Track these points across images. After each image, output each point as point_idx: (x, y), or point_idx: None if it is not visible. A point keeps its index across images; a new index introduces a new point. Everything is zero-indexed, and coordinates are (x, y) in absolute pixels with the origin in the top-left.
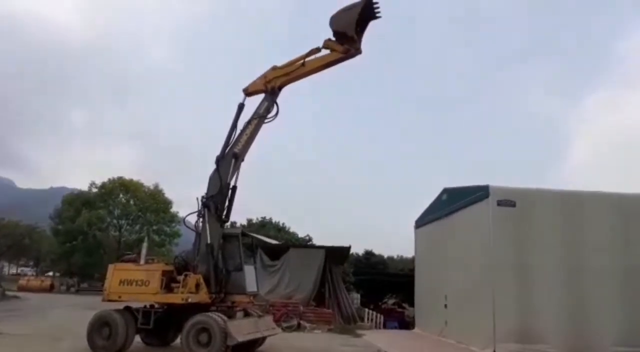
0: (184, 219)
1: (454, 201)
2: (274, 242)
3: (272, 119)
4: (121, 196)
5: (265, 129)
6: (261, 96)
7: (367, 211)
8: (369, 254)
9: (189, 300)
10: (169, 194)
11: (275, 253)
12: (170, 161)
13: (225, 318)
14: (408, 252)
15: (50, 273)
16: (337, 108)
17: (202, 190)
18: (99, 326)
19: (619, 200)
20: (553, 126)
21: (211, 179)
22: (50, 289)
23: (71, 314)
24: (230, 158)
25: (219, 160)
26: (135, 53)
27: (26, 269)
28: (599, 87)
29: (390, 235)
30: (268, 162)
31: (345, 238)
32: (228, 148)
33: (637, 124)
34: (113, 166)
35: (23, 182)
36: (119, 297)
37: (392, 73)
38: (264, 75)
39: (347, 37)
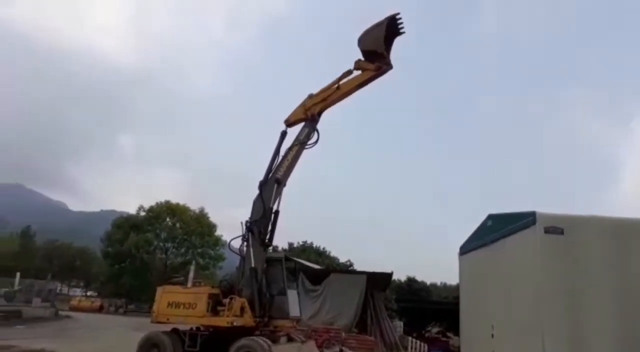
0: (229, 243)
1: (499, 228)
2: (316, 267)
3: (313, 145)
4: (168, 219)
5: (306, 154)
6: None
7: (409, 237)
8: (411, 281)
9: (234, 323)
10: (212, 217)
11: (316, 278)
12: (213, 185)
13: (269, 343)
14: (452, 279)
15: (89, 293)
16: (377, 132)
17: (243, 213)
18: (148, 348)
19: None
20: (603, 151)
21: (255, 203)
22: (100, 309)
23: (120, 335)
24: (272, 183)
25: (262, 185)
26: (180, 81)
27: (77, 290)
28: None
29: (433, 262)
30: (309, 187)
31: (386, 264)
32: (271, 174)
33: None
34: (159, 190)
35: (75, 205)
36: (167, 319)
37: (432, 95)
38: (303, 104)
39: (377, 54)
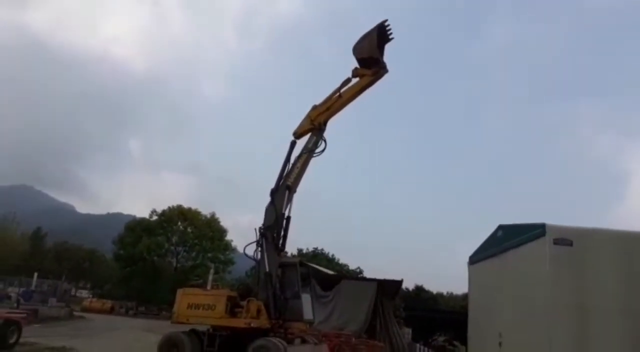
0: (244, 249)
1: (509, 238)
2: (330, 272)
3: (321, 153)
4: (179, 223)
5: (316, 161)
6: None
7: (418, 246)
8: (419, 290)
9: (251, 325)
10: (222, 222)
11: (327, 284)
12: (222, 191)
13: (285, 344)
14: (458, 289)
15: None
16: (387, 140)
17: (252, 219)
18: (168, 347)
19: None
20: (611, 165)
21: (267, 210)
22: (111, 311)
23: (133, 336)
24: (283, 190)
25: (274, 193)
26: (190, 88)
27: (83, 291)
28: None
29: (440, 272)
30: (319, 195)
31: (395, 273)
32: (281, 181)
33: None
34: (167, 195)
35: (83, 207)
36: (187, 319)
37: (441, 107)
38: (308, 116)
39: (372, 60)
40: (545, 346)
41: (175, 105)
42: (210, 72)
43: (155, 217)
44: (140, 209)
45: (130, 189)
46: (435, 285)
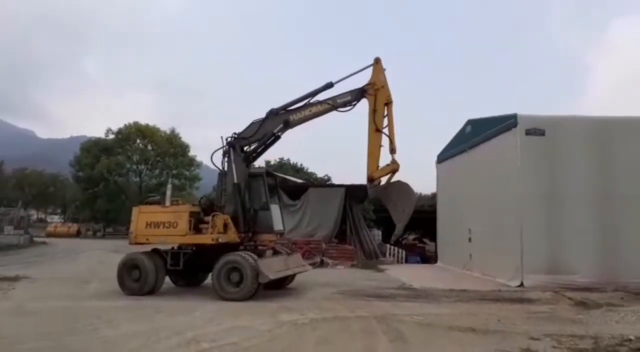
0: (211, 156)
1: (479, 133)
2: (298, 181)
3: (343, 112)
4: (138, 141)
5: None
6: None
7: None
8: None
9: (219, 240)
10: (185, 138)
11: (295, 193)
12: (183, 107)
13: (255, 257)
14: (426, 189)
15: (59, 219)
16: (359, 39)
17: (216, 134)
18: (129, 269)
19: None
20: (574, 57)
21: (253, 124)
22: (77, 234)
23: (98, 258)
24: (280, 121)
25: (272, 114)
26: (146, 4)
27: (55, 217)
28: (621, 16)
29: (408, 173)
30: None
31: (364, 178)
32: (286, 111)
33: None
34: (130, 113)
35: (44, 132)
36: (147, 239)
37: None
38: (384, 83)
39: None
40: (516, 236)
41: (131, 20)
42: None
43: (111, 136)
44: (105, 131)
45: (93, 111)
46: None
